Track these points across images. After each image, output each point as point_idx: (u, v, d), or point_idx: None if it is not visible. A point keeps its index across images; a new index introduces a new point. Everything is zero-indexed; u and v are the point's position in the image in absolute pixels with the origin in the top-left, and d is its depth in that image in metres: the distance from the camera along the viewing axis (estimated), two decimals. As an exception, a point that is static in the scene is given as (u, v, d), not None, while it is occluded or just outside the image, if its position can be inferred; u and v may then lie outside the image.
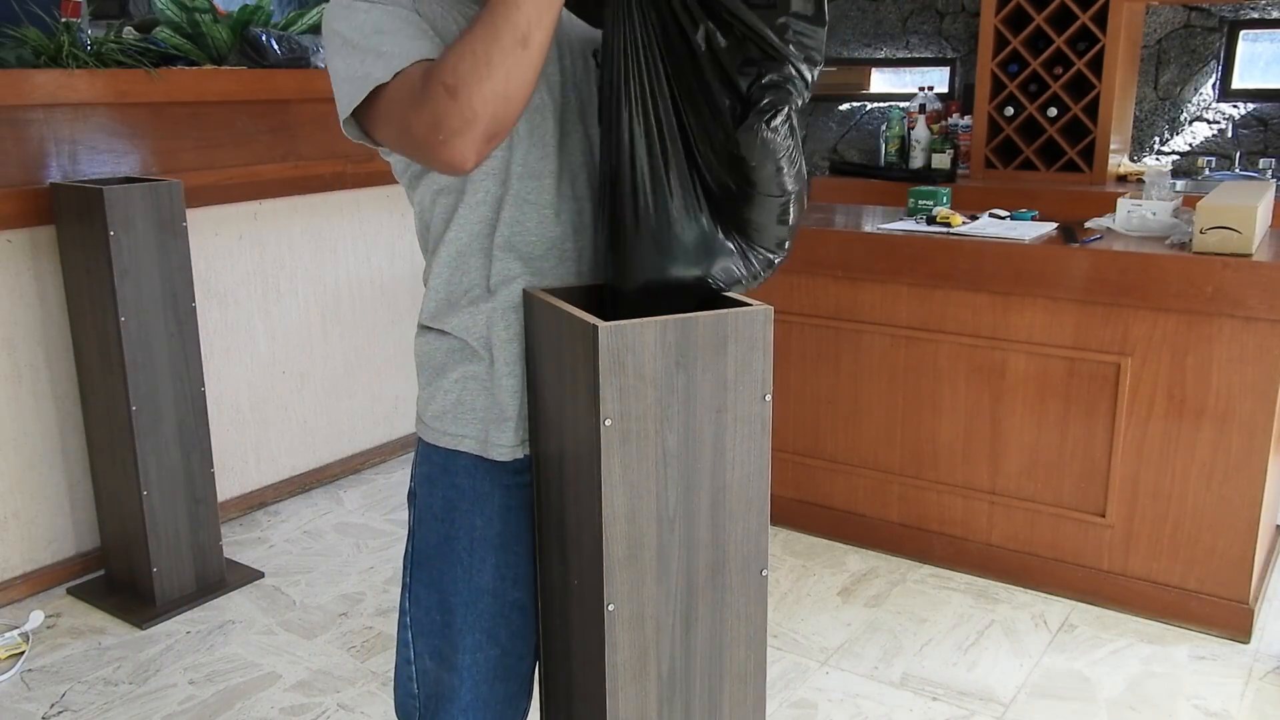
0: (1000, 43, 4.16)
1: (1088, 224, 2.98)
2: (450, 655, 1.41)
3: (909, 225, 3.04)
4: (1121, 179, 4.19)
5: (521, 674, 1.47)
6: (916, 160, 4.44)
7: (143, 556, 2.84)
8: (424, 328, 1.41)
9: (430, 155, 1.14)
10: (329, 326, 3.69)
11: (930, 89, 4.56)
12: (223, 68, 3.22)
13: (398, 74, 1.15)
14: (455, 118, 1.10)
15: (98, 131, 2.93)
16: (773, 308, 1.18)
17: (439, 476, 1.40)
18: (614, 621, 1.17)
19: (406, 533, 1.47)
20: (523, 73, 1.12)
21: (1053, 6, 4.02)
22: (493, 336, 1.32)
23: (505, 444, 1.35)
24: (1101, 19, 3.93)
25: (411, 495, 1.46)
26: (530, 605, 1.44)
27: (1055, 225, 2.99)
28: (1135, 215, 2.87)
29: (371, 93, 1.17)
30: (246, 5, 3.34)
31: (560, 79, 1.32)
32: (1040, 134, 4.18)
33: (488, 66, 1.09)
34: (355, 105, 1.18)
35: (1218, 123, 4.36)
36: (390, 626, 2.77)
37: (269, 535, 3.33)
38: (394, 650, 2.65)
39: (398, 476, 3.79)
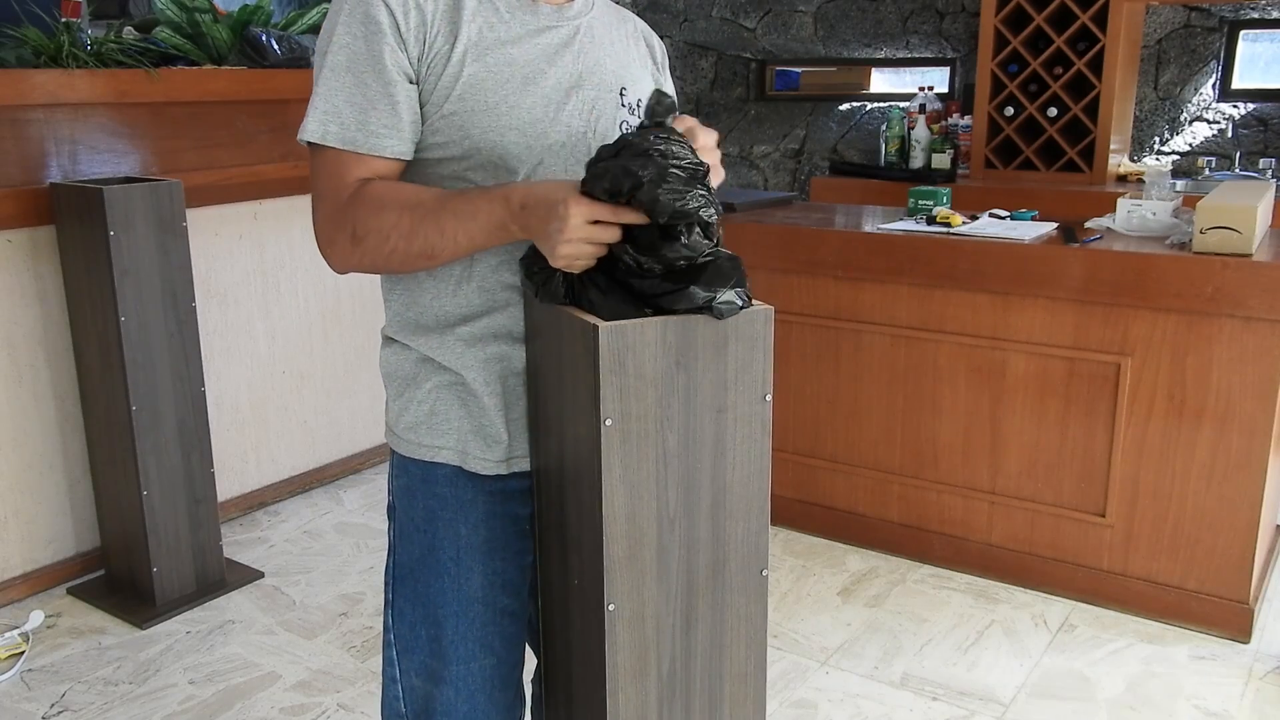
0: (1000, 43, 4.16)
1: (1088, 224, 2.98)
2: (440, 670, 1.39)
3: (909, 225, 3.04)
4: (1121, 179, 4.19)
5: (516, 681, 1.46)
6: (916, 160, 4.44)
7: (143, 556, 2.84)
8: (389, 339, 1.39)
9: (319, 247, 1.27)
10: (329, 326, 3.69)
11: (930, 89, 4.56)
12: (223, 68, 3.22)
13: (334, 155, 1.23)
14: (346, 256, 1.25)
15: (98, 131, 2.93)
16: (773, 308, 1.18)
17: (418, 487, 1.38)
18: (614, 621, 1.17)
19: (388, 548, 1.46)
20: (414, 268, 1.25)
21: (1053, 6, 4.02)
22: (467, 358, 1.31)
23: (490, 458, 1.34)
24: (1101, 19, 3.93)
25: (391, 509, 1.43)
26: (520, 612, 1.42)
27: (1055, 225, 2.99)
28: (1135, 215, 2.87)
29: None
30: (246, 5, 3.34)
31: (580, 128, 1.31)
32: (1040, 134, 4.18)
33: (389, 256, 1.22)
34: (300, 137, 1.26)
35: (1218, 123, 4.36)
36: (390, 626, 2.77)
37: (269, 535, 3.33)
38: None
39: (398, 476, 3.79)
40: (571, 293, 1.15)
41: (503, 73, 1.26)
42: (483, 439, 1.34)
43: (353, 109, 1.22)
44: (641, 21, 1.47)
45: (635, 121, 1.36)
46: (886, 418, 3.08)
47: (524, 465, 1.36)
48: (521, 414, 1.34)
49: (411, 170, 1.29)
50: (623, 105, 1.35)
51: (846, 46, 5.12)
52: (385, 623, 1.45)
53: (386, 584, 1.44)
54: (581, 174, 1.13)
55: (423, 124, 1.26)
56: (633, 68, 1.40)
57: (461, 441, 1.34)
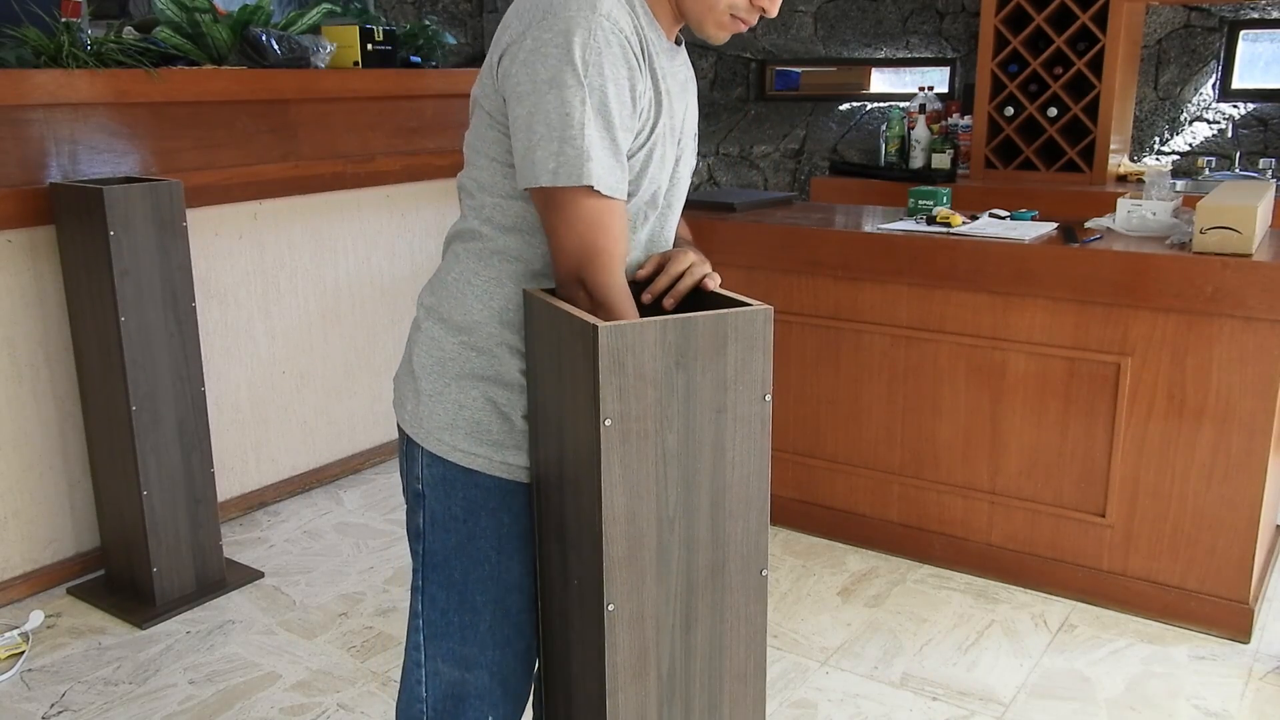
0: (1000, 43, 4.16)
1: (1088, 224, 2.97)
2: (476, 656, 1.41)
3: (909, 225, 3.04)
4: (1121, 179, 4.18)
5: (535, 663, 1.49)
6: (916, 160, 4.44)
7: (143, 556, 2.84)
8: (444, 321, 1.38)
9: (602, 273, 1.25)
10: (329, 326, 3.69)
11: (930, 89, 4.56)
12: (223, 68, 3.22)
13: (614, 206, 1.24)
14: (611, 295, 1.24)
15: (98, 131, 2.93)
16: (773, 308, 1.18)
17: (458, 478, 1.38)
18: (614, 621, 1.17)
19: (413, 534, 1.45)
20: None
21: (1053, 6, 4.02)
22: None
23: (529, 466, 1.36)
24: (1101, 19, 3.93)
25: (419, 496, 1.42)
26: None
27: (1055, 225, 2.99)
28: (1135, 215, 2.87)
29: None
30: (246, 5, 3.33)
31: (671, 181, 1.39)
32: (1040, 134, 4.18)
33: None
34: (559, 184, 1.22)
35: (1218, 123, 4.36)
36: (390, 626, 2.76)
37: (269, 535, 3.33)
38: (394, 650, 2.66)
39: (398, 477, 3.79)
40: None
41: (665, 123, 1.32)
42: (524, 452, 1.37)
43: (610, 156, 1.23)
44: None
45: (694, 163, 1.47)
46: (886, 418, 3.08)
47: None
48: None
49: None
50: (694, 152, 1.45)
51: (846, 46, 5.12)
52: (414, 608, 1.45)
53: (415, 570, 1.44)
54: (657, 218, 1.39)
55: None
56: (696, 116, 1.48)
57: (499, 452, 1.36)
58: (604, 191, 1.22)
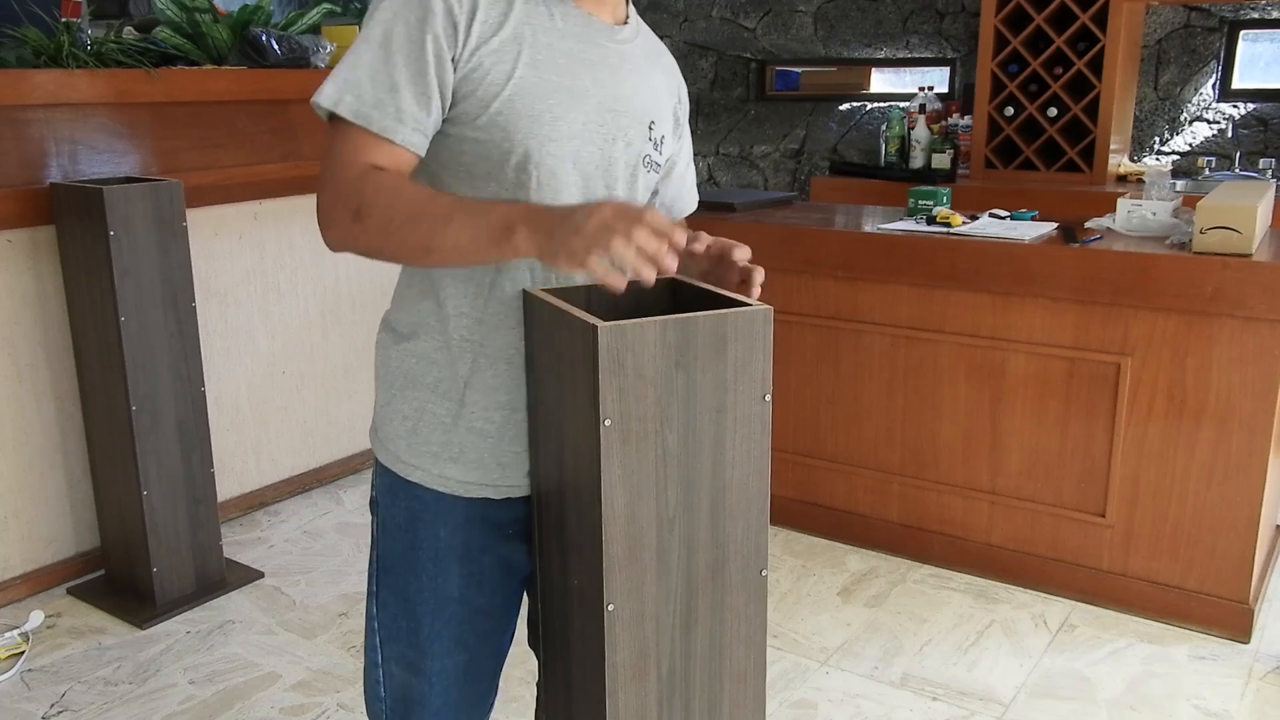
0: (1000, 43, 4.16)
1: (1088, 224, 2.97)
2: (418, 661, 1.41)
3: (909, 225, 3.04)
4: (1121, 179, 4.19)
5: (490, 673, 1.48)
6: (916, 160, 4.44)
7: (143, 556, 2.84)
8: (393, 331, 1.37)
9: (318, 222, 1.21)
10: (329, 326, 3.69)
11: (930, 89, 4.55)
12: (223, 68, 3.22)
13: (345, 130, 1.18)
14: (343, 233, 1.19)
15: (98, 131, 2.93)
16: (773, 308, 1.18)
17: (401, 488, 1.39)
18: (614, 621, 1.17)
19: (371, 539, 1.47)
20: (406, 259, 1.21)
21: (1053, 6, 4.02)
22: (474, 380, 1.31)
23: (470, 480, 1.35)
24: (1101, 19, 3.93)
25: (373, 503, 1.45)
26: (497, 609, 1.43)
27: (1055, 225, 2.99)
28: (1135, 215, 2.87)
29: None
30: (246, 5, 3.34)
31: (608, 154, 1.32)
32: (1040, 134, 4.18)
33: (387, 238, 1.16)
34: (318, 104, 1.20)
35: (1218, 123, 4.36)
36: (390, 626, 2.77)
37: (269, 535, 3.33)
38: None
39: (398, 476, 3.79)
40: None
41: (551, 82, 1.24)
42: (461, 465, 1.35)
43: (374, 86, 1.17)
44: (671, 58, 1.48)
45: (657, 157, 1.38)
46: (886, 418, 3.08)
47: (506, 492, 1.37)
48: (508, 445, 1.34)
49: (461, 182, 1.26)
50: (649, 139, 1.37)
51: (846, 46, 5.12)
52: (369, 610, 1.47)
53: (370, 574, 1.46)
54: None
55: (468, 121, 1.22)
56: (661, 102, 1.40)
57: (438, 465, 1.35)
58: (342, 113, 1.16)
